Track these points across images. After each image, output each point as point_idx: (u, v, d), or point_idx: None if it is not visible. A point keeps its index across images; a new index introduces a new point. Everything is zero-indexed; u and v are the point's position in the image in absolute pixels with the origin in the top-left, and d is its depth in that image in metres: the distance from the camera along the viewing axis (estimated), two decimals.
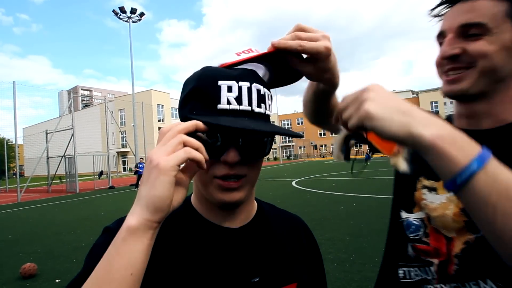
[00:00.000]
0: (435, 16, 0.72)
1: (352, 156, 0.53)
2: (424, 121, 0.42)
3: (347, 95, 0.49)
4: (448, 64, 0.65)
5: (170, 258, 0.52)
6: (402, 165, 0.49)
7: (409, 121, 0.42)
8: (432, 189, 0.72)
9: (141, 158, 17.06)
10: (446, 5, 0.69)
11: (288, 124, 67.16)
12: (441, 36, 0.68)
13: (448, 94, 0.67)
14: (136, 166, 15.75)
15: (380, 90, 0.45)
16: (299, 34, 0.50)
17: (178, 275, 0.51)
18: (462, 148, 0.41)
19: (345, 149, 0.52)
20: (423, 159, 0.64)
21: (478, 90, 0.64)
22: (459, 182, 0.40)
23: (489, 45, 0.61)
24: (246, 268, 0.55)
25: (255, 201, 0.65)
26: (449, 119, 0.78)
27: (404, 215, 0.76)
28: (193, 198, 0.61)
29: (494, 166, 0.40)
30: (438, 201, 0.70)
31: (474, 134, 0.59)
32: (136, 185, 15.29)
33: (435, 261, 0.68)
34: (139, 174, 15.11)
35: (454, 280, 0.65)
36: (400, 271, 0.75)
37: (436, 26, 0.73)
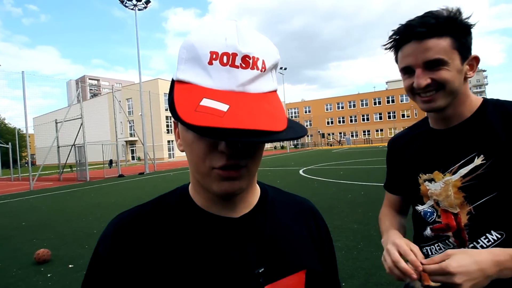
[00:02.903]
0: (389, 48, 0.90)
1: None
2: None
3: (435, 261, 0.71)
4: (420, 90, 0.84)
5: (169, 252, 0.51)
6: None
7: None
8: (431, 180, 0.93)
9: None
10: (401, 42, 0.85)
11: (295, 113, 66.77)
12: (408, 69, 0.85)
13: (427, 110, 0.89)
14: None
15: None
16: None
17: (177, 269, 0.49)
18: None
19: None
20: (420, 159, 0.97)
21: (447, 103, 0.85)
22: None
23: (449, 72, 0.81)
24: (250, 259, 0.52)
25: (257, 186, 0.61)
26: (425, 121, 1.01)
27: (419, 207, 0.97)
28: (190, 189, 0.58)
29: None
30: (438, 187, 0.91)
31: (452, 130, 0.90)
32: None
33: (449, 233, 0.89)
34: None
35: (469, 240, 0.86)
36: (424, 250, 0.95)
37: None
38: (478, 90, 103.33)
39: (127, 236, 0.52)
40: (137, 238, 0.52)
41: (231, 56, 0.43)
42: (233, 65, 0.43)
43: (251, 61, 0.44)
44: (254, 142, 0.44)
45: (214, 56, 0.43)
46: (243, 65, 0.44)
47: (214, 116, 0.39)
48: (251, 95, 0.44)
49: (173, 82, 0.48)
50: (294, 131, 0.45)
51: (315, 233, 0.63)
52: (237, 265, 0.51)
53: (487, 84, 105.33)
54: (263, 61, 0.46)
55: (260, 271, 0.52)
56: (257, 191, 0.60)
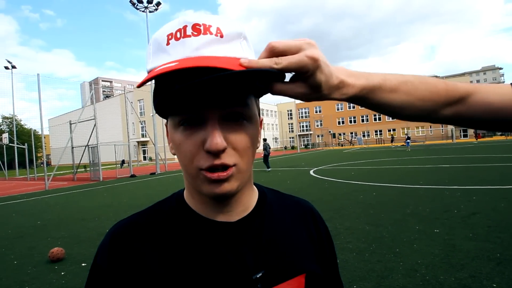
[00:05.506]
0: None
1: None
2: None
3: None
4: None
5: (166, 260, 0.50)
6: None
7: None
8: None
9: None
10: None
11: (306, 113, 66.45)
12: None
13: None
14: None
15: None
16: (274, 48, 0.40)
17: (174, 277, 0.48)
18: None
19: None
20: None
21: None
22: None
23: None
24: (247, 264, 0.51)
25: (255, 189, 0.59)
26: None
27: None
28: (185, 193, 0.56)
29: None
30: None
31: None
32: None
33: None
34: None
35: None
36: None
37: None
38: None
39: (125, 245, 0.52)
40: (135, 247, 0.51)
41: (182, 30, 0.44)
42: (185, 35, 0.43)
43: (202, 28, 0.43)
44: (209, 80, 0.38)
45: (170, 36, 0.44)
46: (195, 33, 0.43)
47: (166, 67, 0.40)
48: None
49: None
50: (255, 70, 0.40)
51: (315, 235, 0.61)
52: (234, 270, 0.50)
53: (503, 82, 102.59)
54: (217, 28, 0.43)
55: (258, 276, 0.50)
56: (254, 194, 0.59)
